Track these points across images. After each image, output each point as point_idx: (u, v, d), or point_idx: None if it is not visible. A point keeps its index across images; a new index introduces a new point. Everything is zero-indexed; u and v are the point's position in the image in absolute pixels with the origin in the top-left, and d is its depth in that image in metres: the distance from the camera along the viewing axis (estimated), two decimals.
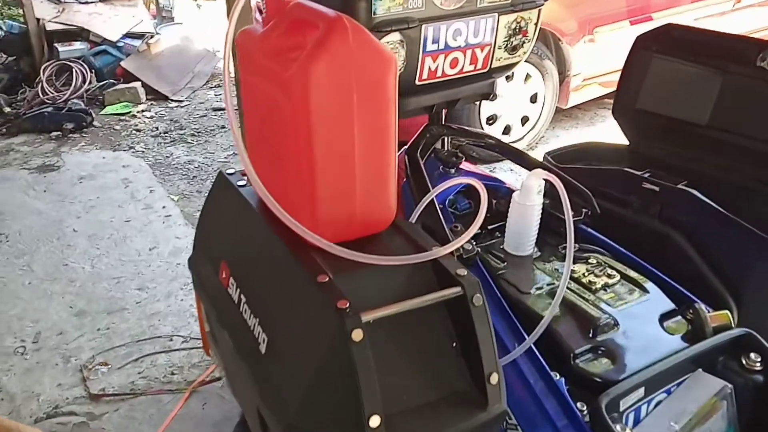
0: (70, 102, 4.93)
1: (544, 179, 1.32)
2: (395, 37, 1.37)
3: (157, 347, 2.37)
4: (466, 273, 0.94)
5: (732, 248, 1.44)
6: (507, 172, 3.79)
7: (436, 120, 1.60)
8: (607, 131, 4.76)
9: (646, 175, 1.57)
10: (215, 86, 5.72)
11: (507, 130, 4.10)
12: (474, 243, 1.36)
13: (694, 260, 1.46)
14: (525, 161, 1.56)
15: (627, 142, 1.91)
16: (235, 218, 1.20)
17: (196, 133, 4.73)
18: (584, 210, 1.44)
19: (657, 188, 1.51)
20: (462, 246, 1.34)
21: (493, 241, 1.47)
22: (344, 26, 0.93)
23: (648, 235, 1.54)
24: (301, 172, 0.99)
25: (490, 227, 1.52)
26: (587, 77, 4.49)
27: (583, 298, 1.28)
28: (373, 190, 1.03)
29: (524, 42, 1.57)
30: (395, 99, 0.99)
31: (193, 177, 4.04)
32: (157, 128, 4.82)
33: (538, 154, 4.37)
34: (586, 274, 1.34)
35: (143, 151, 4.42)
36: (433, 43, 1.43)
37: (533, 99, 4.13)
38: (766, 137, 1.64)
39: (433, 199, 1.30)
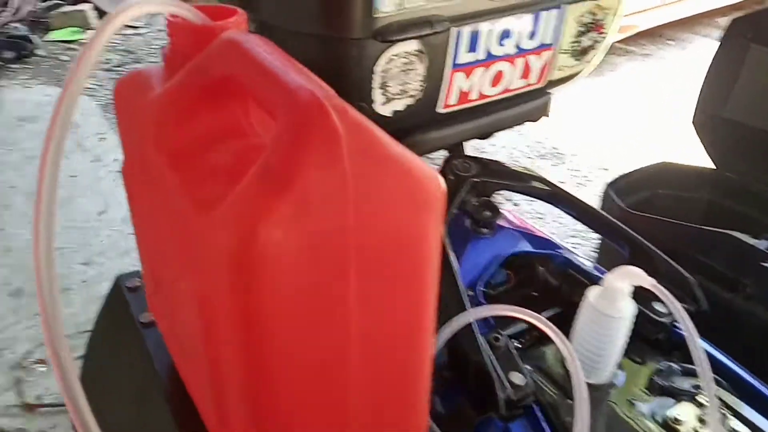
0: (9, 26, 4.19)
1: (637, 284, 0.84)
2: (410, 46, 0.84)
3: None
4: None
5: None
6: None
7: (458, 152, 1.08)
8: (618, 82, 4.26)
9: (766, 246, 1.08)
10: None
11: None
12: (522, 366, 0.88)
13: None
14: (588, 218, 1.07)
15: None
16: (129, 386, 0.69)
17: None
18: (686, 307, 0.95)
19: None
20: (506, 377, 0.86)
21: (545, 349, 0.98)
22: (331, 126, 0.42)
23: (765, 333, 1.07)
24: (235, 395, 0.50)
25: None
26: None
27: None
28: (387, 422, 0.54)
29: (597, 42, 1.04)
30: (437, 259, 0.49)
31: None
32: (109, 60, 4.13)
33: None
34: (700, 429, 0.87)
35: (94, 89, 3.76)
36: (468, 52, 0.90)
37: None
38: None
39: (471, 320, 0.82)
